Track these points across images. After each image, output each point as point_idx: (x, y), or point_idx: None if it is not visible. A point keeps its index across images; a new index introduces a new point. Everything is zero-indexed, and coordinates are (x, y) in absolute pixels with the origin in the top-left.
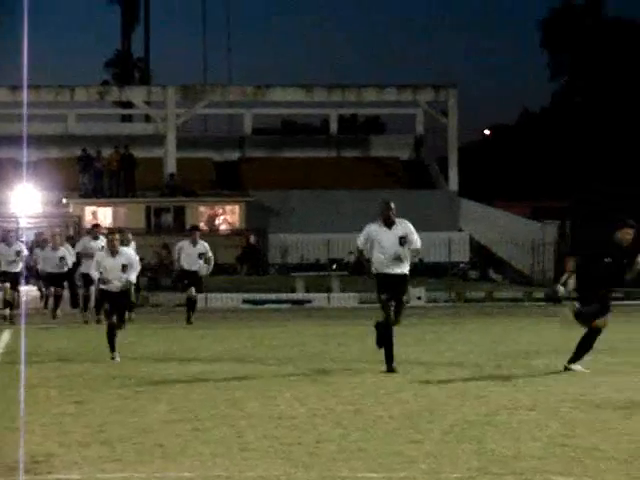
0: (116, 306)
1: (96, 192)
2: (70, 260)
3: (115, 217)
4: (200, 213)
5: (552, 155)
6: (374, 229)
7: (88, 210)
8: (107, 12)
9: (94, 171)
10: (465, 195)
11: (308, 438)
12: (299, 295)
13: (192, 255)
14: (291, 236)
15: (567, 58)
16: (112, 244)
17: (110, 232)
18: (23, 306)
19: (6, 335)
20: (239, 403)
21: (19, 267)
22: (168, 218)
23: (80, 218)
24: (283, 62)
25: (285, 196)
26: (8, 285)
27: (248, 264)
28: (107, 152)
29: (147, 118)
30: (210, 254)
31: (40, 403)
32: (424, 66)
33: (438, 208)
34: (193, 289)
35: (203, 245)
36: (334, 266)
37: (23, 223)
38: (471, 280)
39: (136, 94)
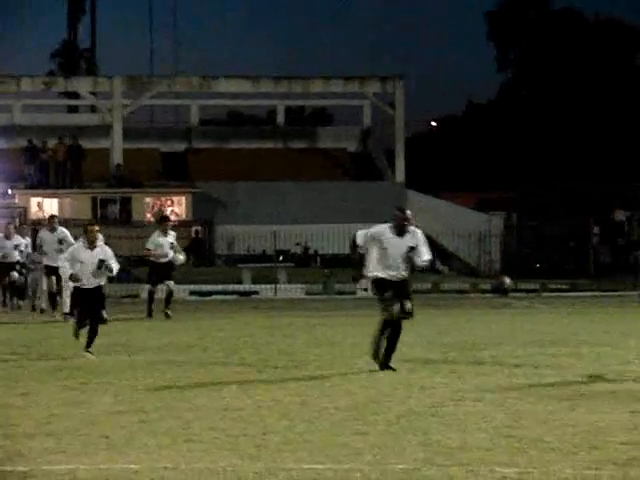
0: (91, 304)
1: (42, 183)
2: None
3: (61, 208)
4: (146, 204)
5: (498, 147)
6: (383, 233)
7: (34, 201)
8: (53, 2)
9: (40, 162)
10: (412, 186)
11: (254, 430)
12: (246, 286)
13: (164, 246)
14: (238, 227)
15: (514, 50)
16: (91, 236)
17: (89, 223)
18: None
19: None
20: (185, 394)
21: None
22: (114, 209)
23: (26, 209)
24: (230, 53)
25: (232, 187)
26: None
27: (194, 255)
28: (53, 143)
29: (93, 109)
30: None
31: None
32: (371, 57)
33: (385, 199)
34: (172, 282)
35: (173, 235)
36: (280, 257)
37: None
38: (417, 271)
39: (82, 84)
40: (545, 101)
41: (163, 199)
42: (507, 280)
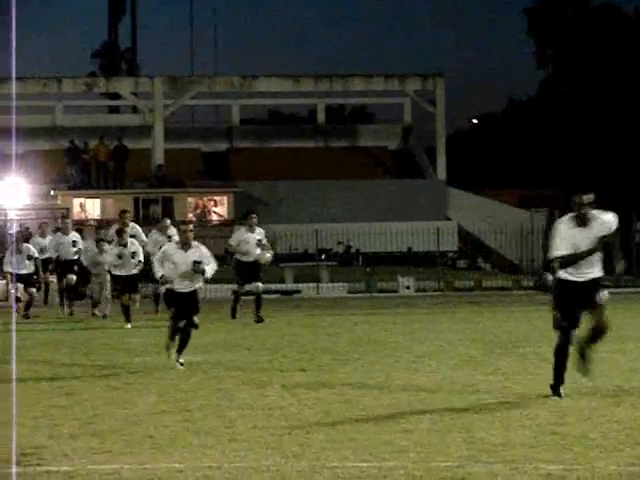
0: (185, 308)
1: (84, 184)
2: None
3: (103, 208)
4: (188, 204)
5: (539, 144)
6: (568, 227)
7: (76, 202)
8: (94, 3)
9: (82, 163)
10: (453, 184)
11: (298, 428)
12: (288, 285)
13: (250, 243)
14: (279, 226)
15: (553, 47)
16: (184, 237)
17: (182, 222)
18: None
19: None
20: (229, 394)
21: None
22: (156, 209)
23: (68, 210)
24: (270, 52)
25: (273, 186)
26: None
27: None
28: (94, 144)
29: (134, 109)
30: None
31: (30, 395)
32: (411, 55)
33: (426, 197)
34: (260, 284)
35: (260, 232)
36: (323, 256)
37: (11, 215)
38: (460, 269)
39: (123, 85)
40: (585, 97)
41: (205, 199)
42: (549, 277)
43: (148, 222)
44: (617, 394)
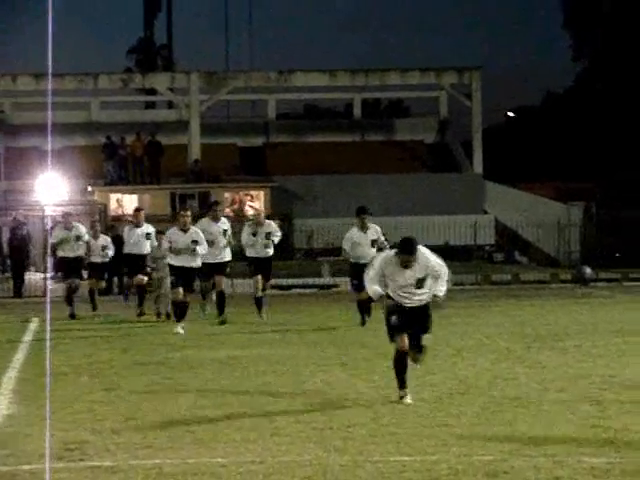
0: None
1: (121, 179)
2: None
3: (140, 204)
4: (225, 199)
5: (575, 137)
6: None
7: (113, 198)
8: None
9: (119, 158)
10: (489, 177)
11: (339, 422)
12: (325, 280)
13: (363, 244)
14: (316, 221)
15: (590, 40)
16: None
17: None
18: (49, 294)
19: (34, 324)
20: (269, 388)
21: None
22: (193, 204)
23: (106, 206)
24: (305, 47)
25: (309, 181)
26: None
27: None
28: (131, 139)
29: (170, 105)
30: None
31: (70, 391)
32: (447, 49)
33: (463, 191)
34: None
35: (376, 230)
36: None
37: (48, 211)
38: (497, 263)
39: (159, 81)
40: (621, 91)
41: (242, 194)
42: (588, 270)
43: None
44: None
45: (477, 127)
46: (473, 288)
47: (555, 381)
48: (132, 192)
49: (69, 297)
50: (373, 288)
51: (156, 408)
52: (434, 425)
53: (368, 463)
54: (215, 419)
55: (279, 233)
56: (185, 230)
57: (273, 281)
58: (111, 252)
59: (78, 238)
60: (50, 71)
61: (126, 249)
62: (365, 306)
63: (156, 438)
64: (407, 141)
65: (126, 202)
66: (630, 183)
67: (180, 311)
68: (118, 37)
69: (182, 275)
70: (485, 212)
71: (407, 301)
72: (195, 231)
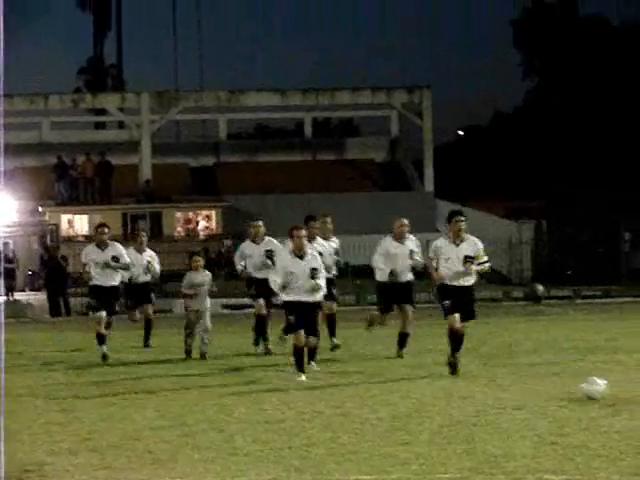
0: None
1: (72, 200)
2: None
3: (91, 224)
4: (177, 219)
5: (524, 155)
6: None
7: (64, 218)
8: (79, 19)
9: (69, 179)
10: (441, 196)
11: (298, 442)
12: (280, 298)
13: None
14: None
15: (540, 58)
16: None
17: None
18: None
19: None
20: (227, 408)
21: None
22: (144, 224)
23: (57, 226)
24: (256, 66)
25: (261, 200)
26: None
27: (226, 269)
28: (82, 159)
29: (121, 125)
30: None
31: (27, 413)
32: (398, 69)
33: (414, 209)
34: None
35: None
36: None
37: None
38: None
39: (110, 101)
40: (570, 109)
41: (193, 213)
42: (540, 287)
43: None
44: (614, 403)
45: (428, 146)
46: (425, 307)
47: (512, 399)
48: (83, 212)
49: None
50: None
51: (113, 428)
52: (393, 444)
53: None
54: (173, 439)
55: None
56: (140, 251)
57: (224, 300)
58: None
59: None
60: (1, 92)
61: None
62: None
63: (115, 459)
64: (358, 160)
65: (77, 222)
66: (578, 200)
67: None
68: (69, 57)
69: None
70: (437, 230)
71: None
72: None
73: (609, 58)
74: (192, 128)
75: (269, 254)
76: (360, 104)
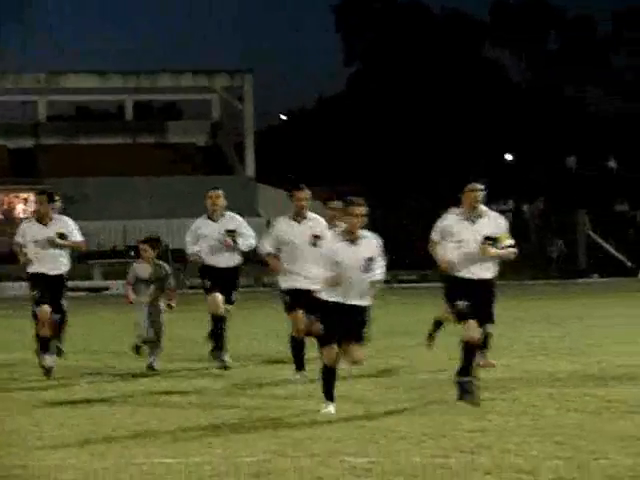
0: None
1: None
2: None
3: None
4: None
5: (347, 140)
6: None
7: None
8: None
9: None
10: (263, 180)
11: (103, 426)
12: (96, 282)
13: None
14: (87, 223)
15: (361, 43)
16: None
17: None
18: None
19: None
20: (35, 392)
21: None
22: None
23: None
24: (79, 48)
25: (81, 183)
26: None
27: None
28: None
29: None
30: None
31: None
32: (221, 52)
33: (235, 193)
34: None
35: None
36: (132, 253)
37: None
38: None
39: None
40: (392, 93)
41: (11, 196)
42: None
43: None
44: (422, 386)
45: (249, 130)
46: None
47: (317, 383)
48: None
49: None
50: None
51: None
52: (198, 428)
53: (131, 466)
54: None
55: None
56: None
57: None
58: None
59: None
60: None
61: None
62: None
63: None
64: (179, 143)
65: None
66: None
67: None
68: None
69: None
70: (258, 215)
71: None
72: None
73: (429, 44)
74: (10, 110)
75: (231, 235)
76: (182, 87)
